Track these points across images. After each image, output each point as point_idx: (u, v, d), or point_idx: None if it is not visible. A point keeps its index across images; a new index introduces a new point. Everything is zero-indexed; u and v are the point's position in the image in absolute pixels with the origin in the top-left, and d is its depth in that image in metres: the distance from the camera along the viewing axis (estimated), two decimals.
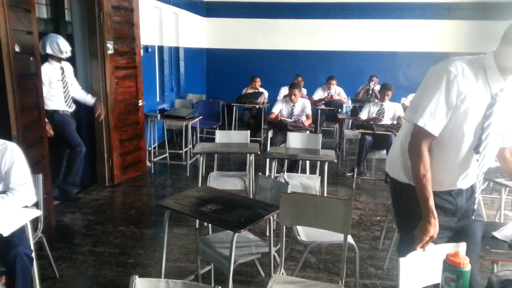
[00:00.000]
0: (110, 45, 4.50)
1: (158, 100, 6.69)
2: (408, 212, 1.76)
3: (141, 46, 5.17)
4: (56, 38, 4.00)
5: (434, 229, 1.60)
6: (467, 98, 1.55)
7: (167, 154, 5.78)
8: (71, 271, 2.89)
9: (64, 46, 4.00)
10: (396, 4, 8.29)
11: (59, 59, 4.04)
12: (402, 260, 1.54)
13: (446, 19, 8.30)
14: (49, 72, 3.97)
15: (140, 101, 5.02)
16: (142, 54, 5.20)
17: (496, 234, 2.01)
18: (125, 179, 4.84)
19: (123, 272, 2.88)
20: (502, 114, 1.61)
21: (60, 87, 4.08)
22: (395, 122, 5.14)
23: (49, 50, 3.95)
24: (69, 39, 4.52)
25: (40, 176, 2.58)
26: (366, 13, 8.43)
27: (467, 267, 1.38)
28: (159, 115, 5.67)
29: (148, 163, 5.35)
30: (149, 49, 6.07)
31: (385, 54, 8.54)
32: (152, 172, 5.32)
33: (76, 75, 4.40)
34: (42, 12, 5.86)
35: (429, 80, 1.65)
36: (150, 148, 5.52)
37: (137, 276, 1.44)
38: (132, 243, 3.33)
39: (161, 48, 6.78)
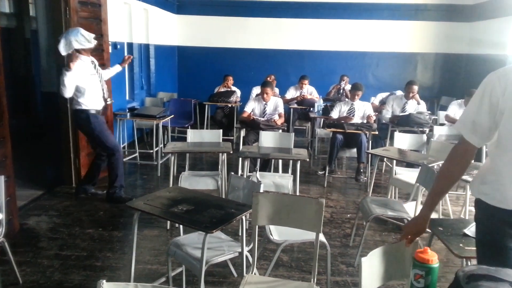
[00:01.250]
0: None
1: (127, 98, 6.54)
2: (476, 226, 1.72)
3: (110, 42, 5.03)
4: (77, 30, 3.77)
5: (422, 227, 1.64)
6: (508, 96, 1.45)
7: (137, 154, 5.65)
8: (36, 276, 2.77)
9: (88, 34, 3.79)
10: (366, 4, 8.44)
11: (88, 52, 3.84)
12: (363, 259, 1.55)
13: (413, 20, 8.52)
14: (82, 69, 3.77)
15: (108, 99, 4.86)
16: (110, 51, 5.07)
17: (466, 231, 2.07)
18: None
19: (91, 276, 2.78)
20: None
21: (97, 81, 3.92)
22: (365, 121, 5.23)
23: (76, 45, 3.71)
24: (34, 35, 4.35)
25: (2, 178, 2.47)
26: (337, 13, 8.54)
27: (435, 263, 1.40)
28: (128, 114, 5.55)
29: None
30: (118, 46, 5.92)
31: (355, 54, 8.69)
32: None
33: (41, 72, 4.24)
34: (4, 6, 5.61)
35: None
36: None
37: (104, 281, 1.38)
38: (100, 246, 3.23)
39: (130, 45, 6.62)
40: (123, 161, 4.21)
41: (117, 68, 4.41)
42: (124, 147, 5.72)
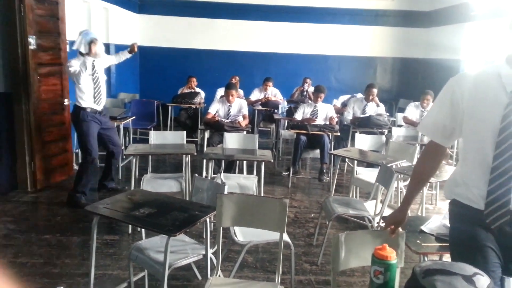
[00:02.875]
0: (32, 40, 4.17)
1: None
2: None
3: (67, 41, 4.85)
4: (95, 37, 4.09)
5: (400, 219, 1.76)
6: (470, 98, 1.51)
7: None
8: None
9: (101, 47, 4.09)
10: (328, 9, 8.62)
11: (93, 55, 4.01)
12: (341, 235, 1.72)
13: (373, 25, 8.80)
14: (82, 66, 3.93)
15: (65, 100, 4.71)
16: (68, 50, 4.89)
17: (423, 228, 2.15)
18: (49, 184, 4.51)
19: (49, 284, 2.66)
20: None
21: (92, 82, 4.03)
22: (327, 123, 5.34)
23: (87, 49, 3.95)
24: None
25: None
26: (301, 16, 8.67)
27: (394, 260, 1.45)
28: None
29: (75, 166, 5.03)
30: None
31: (318, 57, 8.85)
32: None
33: None
34: None
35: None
36: (77, 150, 5.19)
37: None
38: (58, 252, 3.10)
39: None
40: (95, 171, 4.19)
41: (126, 55, 4.53)
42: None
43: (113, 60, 4.55)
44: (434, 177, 3.32)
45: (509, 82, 1.45)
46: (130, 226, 3.41)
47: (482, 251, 1.53)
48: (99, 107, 4.11)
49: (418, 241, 2.01)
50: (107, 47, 7.15)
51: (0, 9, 4.09)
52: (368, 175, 4.02)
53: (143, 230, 2.68)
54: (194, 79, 7.10)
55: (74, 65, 3.91)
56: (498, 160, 1.45)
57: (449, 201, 1.68)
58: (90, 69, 3.99)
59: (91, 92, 4.02)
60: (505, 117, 1.43)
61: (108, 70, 7.22)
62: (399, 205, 3.48)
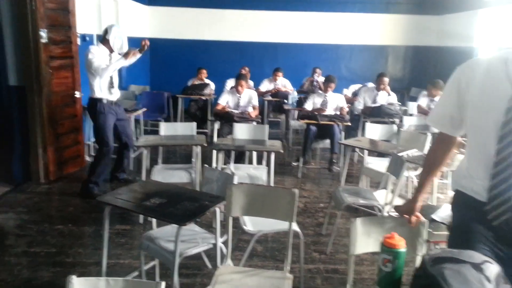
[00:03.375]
0: (43, 34, 4.20)
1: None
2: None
3: (78, 34, 4.89)
4: (123, 31, 4.19)
5: (410, 207, 1.74)
6: (476, 88, 1.44)
7: None
8: (3, 275, 2.69)
9: (126, 45, 4.13)
10: None
11: (110, 47, 4.05)
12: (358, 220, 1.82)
13: (384, 13, 8.66)
14: (102, 58, 3.97)
15: (77, 92, 4.75)
16: (79, 43, 4.93)
17: (434, 216, 2.13)
18: (62, 175, 4.58)
19: (61, 273, 2.72)
20: None
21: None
22: (338, 113, 5.30)
23: (112, 39, 4.02)
24: None
25: None
26: (310, 5, 8.57)
27: (402, 248, 1.45)
28: None
29: (87, 158, 5.10)
30: (87, 38, 5.75)
31: (329, 47, 8.76)
32: None
33: (7, 65, 4.09)
34: None
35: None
36: (89, 142, 5.26)
37: (74, 276, 1.36)
38: (71, 242, 3.16)
39: (100, 37, 6.44)
40: (109, 162, 4.23)
41: (137, 55, 4.22)
42: (94, 142, 5.58)
43: (125, 62, 4.17)
44: (446, 166, 3.28)
45: None
46: (141, 216, 3.46)
47: (470, 239, 1.50)
48: (115, 98, 4.14)
49: (429, 230, 2.00)
50: None
51: (12, 3, 4.13)
52: (379, 164, 3.99)
53: (154, 220, 2.70)
54: (204, 71, 7.10)
55: (99, 58, 3.92)
56: (501, 155, 1.39)
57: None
58: (108, 61, 4.02)
59: (106, 83, 4.04)
60: (509, 109, 1.35)
61: None
62: (409, 194, 3.47)
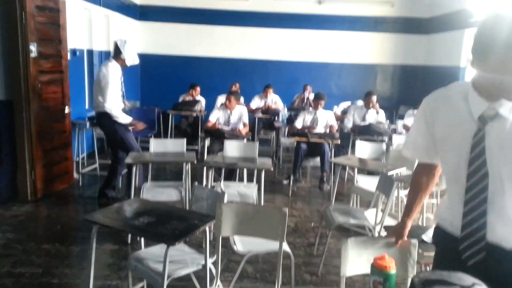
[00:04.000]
0: (33, 48, 4.18)
1: (87, 107, 6.34)
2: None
3: (68, 49, 4.87)
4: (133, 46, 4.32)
5: (400, 232, 1.73)
6: (441, 123, 1.43)
7: (97, 165, 5.47)
8: None
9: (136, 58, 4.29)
10: (328, 16, 8.66)
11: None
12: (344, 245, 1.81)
13: (373, 32, 8.83)
14: (118, 76, 4.18)
15: (66, 107, 4.71)
16: (69, 58, 4.91)
17: (424, 237, 2.13)
18: (50, 193, 4.49)
19: None
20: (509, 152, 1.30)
21: (120, 87, 4.25)
22: (327, 131, 5.33)
23: (127, 58, 4.16)
24: None
25: None
26: (301, 23, 8.71)
27: (393, 270, 1.44)
28: (88, 123, 5.35)
29: (75, 175, 5.03)
30: (77, 53, 5.75)
31: (319, 65, 8.87)
32: (81, 184, 5.01)
33: None
34: None
35: None
36: (78, 159, 5.20)
37: None
38: (57, 262, 3.08)
39: (90, 52, 6.44)
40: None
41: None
42: (83, 158, 5.53)
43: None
44: (435, 186, 3.30)
45: (476, 108, 1.33)
46: (129, 235, 3.40)
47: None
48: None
49: (419, 251, 1.99)
50: (108, 55, 7.19)
51: (1, 16, 4.11)
52: (369, 183, 4.01)
53: (142, 239, 2.66)
54: (198, 88, 7.09)
55: (114, 75, 4.07)
56: (470, 193, 1.36)
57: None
58: (120, 76, 4.22)
59: (119, 97, 4.21)
60: (474, 146, 1.33)
61: None
62: (399, 214, 3.48)
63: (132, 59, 4.22)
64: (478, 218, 1.35)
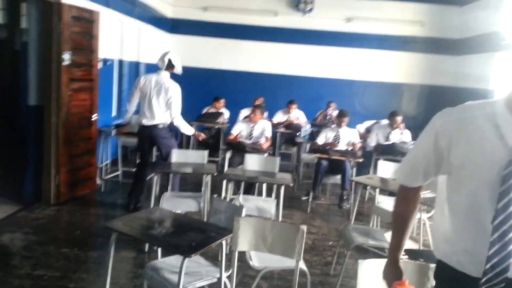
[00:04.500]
0: (66, 56, 4.33)
1: (114, 115, 6.49)
2: None
3: (100, 58, 5.03)
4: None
5: (395, 272, 1.56)
6: (461, 148, 1.26)
7: (120, 172, 5.57)
8: None
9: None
10: (355, 34, 8.64)
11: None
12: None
13: (401, 51, 8.74)
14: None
15: (94, 115, 4.84)
16: (100, 67, 5.06)
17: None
18: (72, 197, 4.58)
19: None
20: None
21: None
22: (350, 148, 5.27)
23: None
24: (24, 46, 4.32)
25: None
26: (327, 40, 8.71)
27: None
28: (113, 131, 5.48)
29: (98, 181, 5.13)
30: (108, 62, 5.92)
31: (343, 82, 8.82)
32: (103, 190, 5.11)
33: (28, 84, 4.22)
34: None
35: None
36: (102, 165, 5.31)
37: None
38: (75, 266, 3.13)
39: (121, 62, 6.63)
40: None
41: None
42: (107, 165, 5.64)
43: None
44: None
45: (510, 133, 1.19)
46: (147, 244, 3.42)
47: None
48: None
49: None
50: (137, 65, 7.39)
51: (39, 25, 4.29)
52: (390, 204, 3.92)
53: (159, 248, 2.67)
54: (222, 101, 7.15)
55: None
56: (497, 232, 1.20)
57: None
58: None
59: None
60: (505, 178, 1.18)
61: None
62: (421, 236, 3.38)
63: (180, 71, 4.52)
64: (506, 259, 1.21)
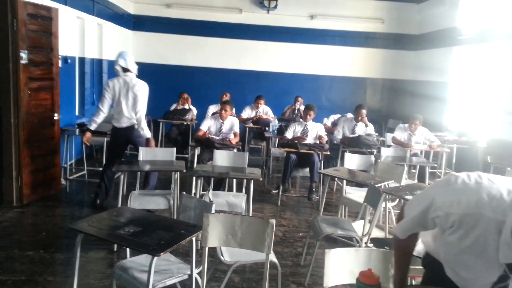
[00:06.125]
0: (24, 55, 4.17)
1: (77, 114, 6.31)
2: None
3: (60, 56, 4.87)
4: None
5: None
6: (460, 235, 1.30)
7: (85, 172, 5.43)
8: None
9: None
10: (319, 30, 8.78)
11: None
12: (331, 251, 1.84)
13: (363, 47, 8.97)
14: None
15: (55, 114, 4.69)
16: (60, 65, 4.89)
17: None
18: (36, 199, 4.44)
19: None
20: None
21: None
22: (317, 142, 5.37)
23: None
24: None
25: None
26: (293, 37, 8.81)
27: (377, 284, 1.45)
28: (77, 130, 5.33)
29: (63, 181, 4.98)
30: (69, 60, 5.74)
31: (310, 77, 8.96)
32: (68, 191, 4.96)
33: None
34: None
35: (419, 194, 1.55)
36: (66, 165, 5.16)
37: None
38: (41, 269, 3.04)
39: (82, 60, 6.44)
40: None
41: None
42: (71, 164, 5.48)
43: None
44: None
45: (506, 253, 1.20)
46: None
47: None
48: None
49: None
50: (100, 63, 7.20)
51: None
52: (357, 194, 4.03)
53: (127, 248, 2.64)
54: (186, 95, 7.11)
55: None
56: None
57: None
58: None
59: None
60: (497, 283, 1.27)
61: (99, 85, 7.26)
62: (387, 225, 3.50)
63: (135, 71, 4.40)
64: None
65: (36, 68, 4.36)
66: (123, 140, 4.36)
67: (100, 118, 4.33)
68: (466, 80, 7.09)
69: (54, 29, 4.59)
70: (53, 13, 4.56)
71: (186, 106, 7.05)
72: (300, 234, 4.09)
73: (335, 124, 6.52)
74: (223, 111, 5.23)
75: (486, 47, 6.55)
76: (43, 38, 4.47)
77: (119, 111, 4.23)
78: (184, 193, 2.79)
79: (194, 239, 2.30)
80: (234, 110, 7.19)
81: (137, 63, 4.45)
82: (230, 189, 4.53)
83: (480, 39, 6.68)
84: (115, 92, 4.22)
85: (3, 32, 4.05)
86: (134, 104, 4.21)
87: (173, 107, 7.03)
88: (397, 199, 4.08)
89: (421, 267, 1.74)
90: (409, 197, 3.31)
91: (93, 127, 4.36)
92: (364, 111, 5.76)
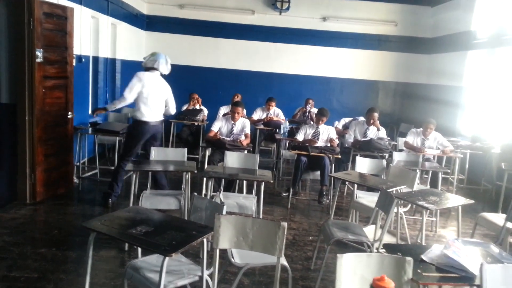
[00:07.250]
0: (39, 53, 4.22)
1: (90, 113, 6.36)
2: None
3: (74, 55, 4.92)
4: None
5: None
6: None
7: (97, 170, 5.48)
8: None
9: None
10: (332, 33, 8.74)
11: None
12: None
13: (376, 50, 8.90)
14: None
15: (69, 113, 4.74)
16: (74, 64, 4.95)
17: (424, 257, 2.12)
18: (49, 197, 4.49)
19: None
20: None
21: None
22: (328, 145, 5.34)
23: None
24: None
25: None
26: (305, 39, 8.78)
27: None
28: (90, 129, 5.37)
29: (75, 180, 5.03)
30: (83, 59, 5.80)
31: (321, 79, 8.92)
32: (80, 189, 5.01)
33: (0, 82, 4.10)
34: None
35: None
36: (78, 164, 5.20)
37: None
38: (53, 267, 3.07)
39: (96, 59, 6.50)
40: None
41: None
42: (84, 163, 5.53)
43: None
44: (435, 205, 3.30)
45: None
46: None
47: None
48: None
49: (418, 271, 1.98)
50: (113, 62, 7.26)
51: (9, 21, 4.16)
52: (368, 199, 4.00)
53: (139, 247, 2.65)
54: (196, 95, 7.14)
55: None
56: None
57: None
58: None
59: None
60: None
61: (113, 84, 7.31)
62: (398, 231, 3.47)
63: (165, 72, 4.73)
64: None
65: (51, 66, 4.42)
66: (149, 135, 4.48)
67: (121, 104, 4.47)
68: (481, 84, 6.99)
69: (69, 28, 4.64)
70: (68, 12, 4.61)
71: (198, 107, 7.07)
72: (310, 238, 4.07)
73: (346, 127, 6.49)
74: (235, 114, 5.22)
75: (501, 51, 6.45)
76: (58, 37, 4.52)
77: (153, 105, 4.39)
78: (196, 194, 2.79)
79: (205, 240, 2.31)
80: (245, 111, 7.21)
81: None
82: (240, 191, 4.53)
83: (495, 43, 6.59)
84: (149, 86, 4.36)
85: (20, 31, 4.11)
86: (165, 100, 4.57)
87: (184, 107, 7.06)
88: (409, 205, 4.04)
89: (435, 274, 1.71)
90: (421, 202, 3.28)
91: (110, 108, 4.55)
92: (376, 115, 5.71)
